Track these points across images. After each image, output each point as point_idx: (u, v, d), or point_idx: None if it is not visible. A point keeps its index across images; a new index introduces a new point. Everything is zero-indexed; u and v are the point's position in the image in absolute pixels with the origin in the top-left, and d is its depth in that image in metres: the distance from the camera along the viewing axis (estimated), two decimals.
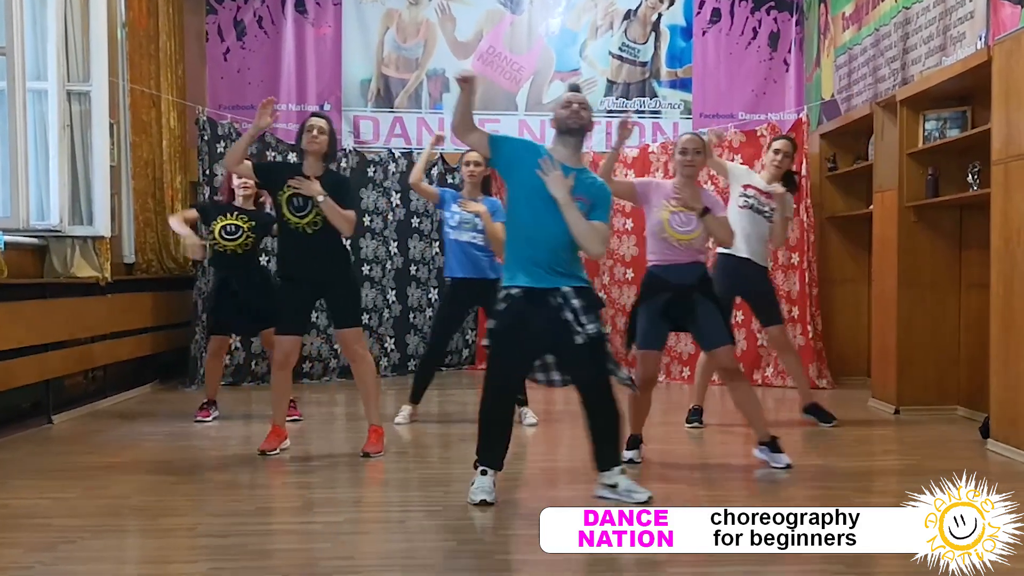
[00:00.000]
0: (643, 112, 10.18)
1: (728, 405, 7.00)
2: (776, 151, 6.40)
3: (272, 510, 4.46)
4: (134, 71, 8.26)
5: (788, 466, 5.11)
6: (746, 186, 6.31)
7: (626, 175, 9.08)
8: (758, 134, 8.73)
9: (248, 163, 5.46)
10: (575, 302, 4.23)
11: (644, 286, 5.20)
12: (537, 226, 4.28)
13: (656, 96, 10.23)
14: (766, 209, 6.30)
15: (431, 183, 9.38)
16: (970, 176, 6.62)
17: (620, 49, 10.23)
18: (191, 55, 9.60)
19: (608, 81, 10.22)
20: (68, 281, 6.94)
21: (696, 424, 6.51)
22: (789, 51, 10.17)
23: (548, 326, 4.25)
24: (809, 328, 8.39)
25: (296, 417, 6.71)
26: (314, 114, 5.59)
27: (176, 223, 6.73)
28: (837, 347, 8.82)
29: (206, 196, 8.38)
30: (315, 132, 5.40)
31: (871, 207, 7.76)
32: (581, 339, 4.20)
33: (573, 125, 4.35)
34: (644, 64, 10.24)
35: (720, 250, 6.14)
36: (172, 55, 9.04)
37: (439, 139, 6.85)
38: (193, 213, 6.90)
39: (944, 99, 6.85)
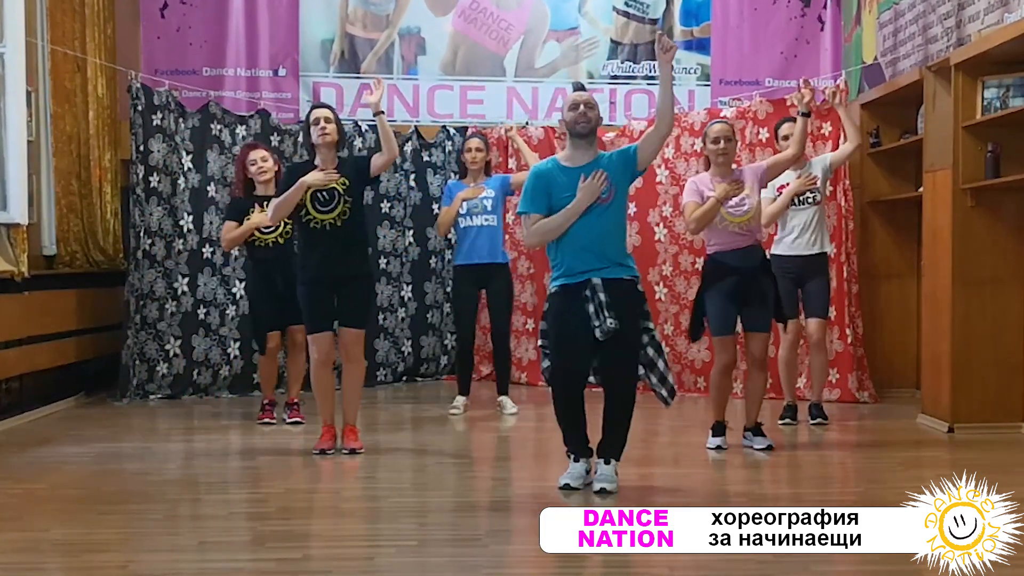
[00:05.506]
0: (653, 79, 10.18)
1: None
2: (784, 137, 6.99)
3: (216, 545, 4.43)
4: (55, 30, 8.23)
5: (769, 447, 6.16)
6: (781, 188, 6.91)
7: None
8: (788, 103, 8.70)
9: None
10: (601, 296, 4.97)
11: (708, 273, 6.16)
12: (569, 231, 5.10)
13: None
14: (806, 194, 7.07)
15: (404, 160, 9.38)
16: None
17: (626, 4, 10.22)
18: (122, 12, 9.56)
19: (612, 42, 10.22)
20: None
21: (789, 421, 7.19)
22: (824, 6, 10.18)
23: (581, 320, 5.01)
24: (848, 332, 8.36)
25: (298, 419, 7.25)
26: (315, 105, 6.36)
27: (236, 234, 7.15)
28: (881, 354, 8.82)
29: (140, 176, 8.30)
30: (322, 124, 6.06)
31: (920, 189, 7.77)
32: (599, 333, 4.94)
33: (583, 130, 5.13)
34: (654, 21, 10.24)
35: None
36: (100, 11, 9.00)
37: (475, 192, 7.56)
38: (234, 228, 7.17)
39: (1007, 63, 6.85)
